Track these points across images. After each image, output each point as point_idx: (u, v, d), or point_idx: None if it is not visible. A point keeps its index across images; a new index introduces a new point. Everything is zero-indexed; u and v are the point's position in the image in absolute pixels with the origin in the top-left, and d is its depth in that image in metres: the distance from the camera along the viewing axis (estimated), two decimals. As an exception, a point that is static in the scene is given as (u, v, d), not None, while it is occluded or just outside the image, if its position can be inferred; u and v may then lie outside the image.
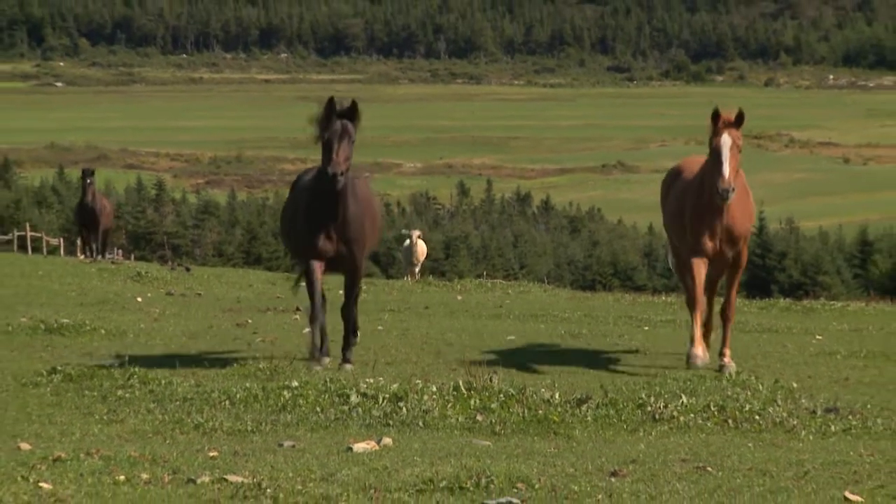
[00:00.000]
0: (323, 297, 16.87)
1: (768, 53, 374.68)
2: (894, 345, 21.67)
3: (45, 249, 55.29)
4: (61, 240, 59.42)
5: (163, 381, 14.84)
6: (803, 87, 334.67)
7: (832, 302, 33.74)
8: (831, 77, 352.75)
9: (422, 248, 45.07)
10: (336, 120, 16.10)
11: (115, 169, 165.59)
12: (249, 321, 22.49)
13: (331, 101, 16.30)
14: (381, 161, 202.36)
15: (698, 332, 17.23)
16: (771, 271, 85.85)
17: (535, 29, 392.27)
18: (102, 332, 20.03)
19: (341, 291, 17.39)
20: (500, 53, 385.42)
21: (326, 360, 16.75)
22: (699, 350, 17.09)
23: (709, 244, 17.28)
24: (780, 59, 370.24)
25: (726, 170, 16.60)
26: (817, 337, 22.77)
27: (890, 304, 34.62)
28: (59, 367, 15.67)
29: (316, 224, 16.38)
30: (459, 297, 31.83)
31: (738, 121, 16.96)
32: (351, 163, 16.03)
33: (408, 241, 45.27)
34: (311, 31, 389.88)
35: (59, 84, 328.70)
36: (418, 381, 14.43)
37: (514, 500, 8.98)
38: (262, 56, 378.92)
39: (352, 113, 16.17)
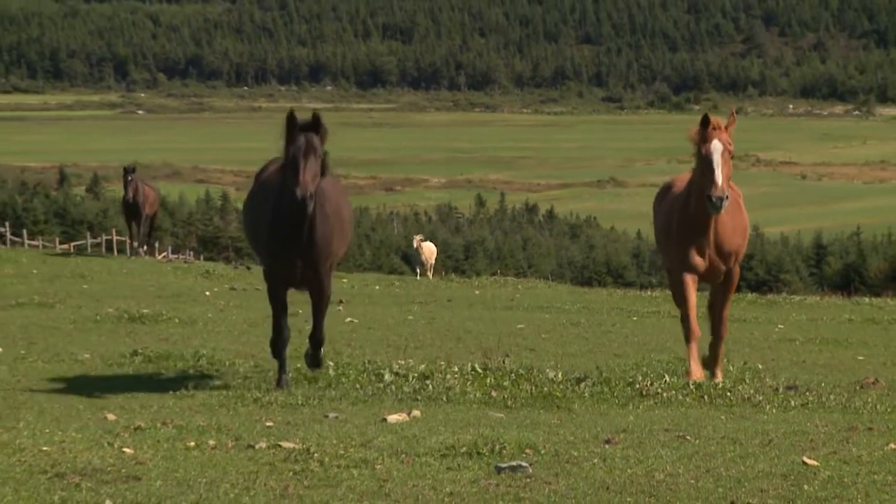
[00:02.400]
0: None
1: (738, 86, 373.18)
2: (844, 332, 21.62)
3: (128, 251, 55.27)
4: (143, 243, 59.19)
5: (227, 362, 14.84)
6: (767, 115, 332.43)
7: (792, 296, 33.72)
8: (791, 107, 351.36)
9: (428, 249, 43.29)
10: (300, 135, 12.60)
11: (187, 183, 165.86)
12: (300, 312, 22.38)
13: (291, 114, 12.75)
14: (411, 177, 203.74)
15: (695, 365, 13.68)
16: (739, 270, 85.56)
17: (541, 66, 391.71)
18: (176, 320, 20.05)
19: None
20: (511, 86, 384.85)
21: (286, 382, 13.35)
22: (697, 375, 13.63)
23: (697, 260, 13.71)
24: (747, 91, 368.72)
25: (719, 176, 12.86)
26: (779, 326, 22.72)
27: (841, 298, 34.56)
28: (140, 350, 15.69)
29: (281, 246, 13.04)
30: (477, 292, 31.81)
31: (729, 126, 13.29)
32: (319, 181, 12.56)
33: (413, 246, 43.44)
34: (352, 67, 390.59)
35: (140, 112, 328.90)
36: (442, 363, 14.41)
37: (524, 464, 8.94)
38: (311, 88, 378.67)
39: (315, 126, 12.71)
